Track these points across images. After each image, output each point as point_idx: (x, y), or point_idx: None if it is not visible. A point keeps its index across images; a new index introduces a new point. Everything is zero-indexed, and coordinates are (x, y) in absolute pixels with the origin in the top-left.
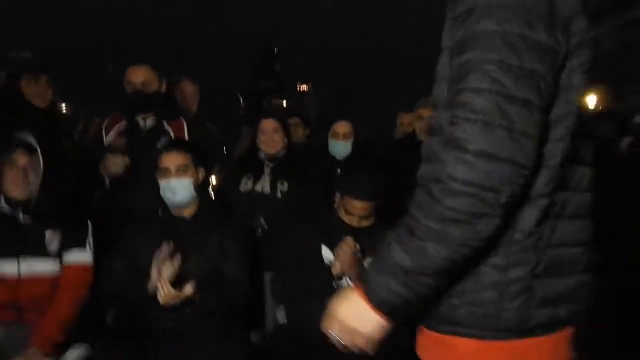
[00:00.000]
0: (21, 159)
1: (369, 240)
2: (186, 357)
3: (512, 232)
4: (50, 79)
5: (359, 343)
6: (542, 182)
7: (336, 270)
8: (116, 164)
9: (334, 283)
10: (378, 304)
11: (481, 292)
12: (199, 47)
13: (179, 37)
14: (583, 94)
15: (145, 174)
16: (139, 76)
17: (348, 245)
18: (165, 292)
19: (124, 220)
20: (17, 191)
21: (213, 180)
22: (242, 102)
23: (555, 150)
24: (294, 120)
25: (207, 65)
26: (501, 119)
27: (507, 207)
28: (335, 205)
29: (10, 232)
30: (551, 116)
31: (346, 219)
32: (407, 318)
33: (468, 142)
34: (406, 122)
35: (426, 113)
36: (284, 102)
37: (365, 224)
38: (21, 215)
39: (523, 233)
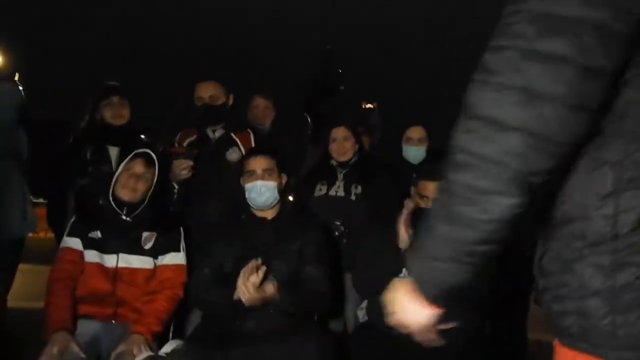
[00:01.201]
0: (138, 167)
1: None
2: (265, 355)
3: (612, 222)
4: (124, 98)
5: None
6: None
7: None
8: (179, 166)
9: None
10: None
11: (585, 299)
12: (265, 68)
13: (247, 58)
14: None
15: (214, 182)
16: (208, 91)
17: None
18: (248, 294)
19: (202, 226)
20: (123, 193)
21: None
22: (309, 121)
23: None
24: (360, 129)
25: (275, 85)
26: (515, 79)
27: (521, 186)
28: (411, 198)
29: (112, 229)
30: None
31: (422, 204)
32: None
33: (475, 107)
34: None
35: None
36: None
37: None
38: (124, 216)
39: (627, 224)
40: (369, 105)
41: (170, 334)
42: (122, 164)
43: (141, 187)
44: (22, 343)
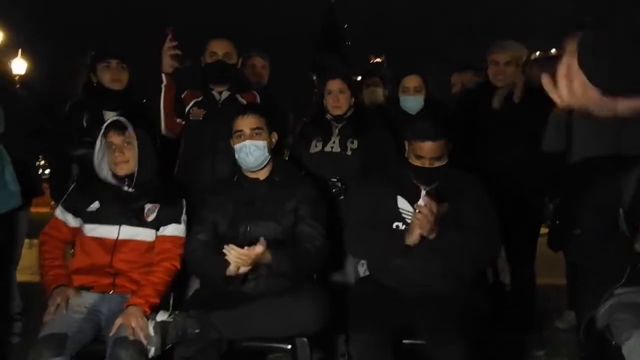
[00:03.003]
0: (115, 139)
1: (443, 182)
2: (259, 315)
3: None
4: (123, 62)
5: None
6: None
7: (413, 237)
8: (168, 49)
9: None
10: None
11: None
12: (268, 26)
13: (249, 17)
14: None
15: (223, 144)
16: (223, 47)
17: (426, 209)
18: (233, 254)
19: (202, 189)
20: (119, 169)
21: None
22: (314, 79)
23: None
24: (372, 80)
25: (278, 44)
26: None
27: None
28: (406, 154)
29: (114, 200)
30: None
31: (417, 163)
32: None
33: None
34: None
35: (499, 58)
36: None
37: (437, 164)
38: (125, 187)
39: None
40: (377, 60)
41: (171, 305)
42: (98, 142)
43: (129, 154)
44: (34, 315)
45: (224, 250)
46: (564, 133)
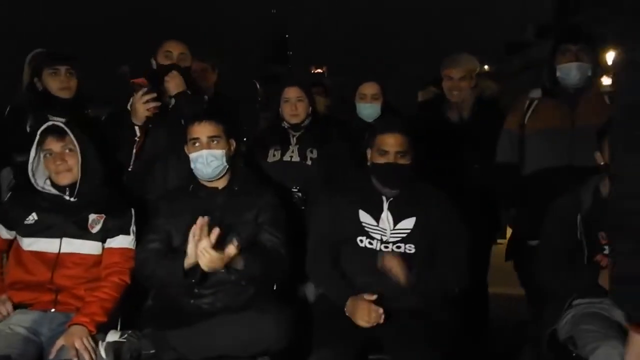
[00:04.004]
0: (54, 146)
1: (408, 191)
2: (219, 331)
3: None
4: (73, 68)
5: None
6: None
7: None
8: (142, 99)
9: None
10: None
11: None
12: (212, 33)
13: (191, 25)
14: None
15: (175, 150)
16: (179, 49)
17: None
18: (207, 257)
19: (155, 198)
20: (60, 178)
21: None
22: (258, 87)
23: None
24: (315, 90)
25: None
26: None
27: None
28: (368, 162)
29: (54, 211)
30: None
31: (382, 160)
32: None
33: None
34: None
35: (452, 73)
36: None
37: (402, 161)
38: (67, 196)
39: None
40: (318, 70)
41: (119, 324)
42: (34, 149)
43: (71, 161)
44: None
45: (199, 252)
46: (516, 146)
